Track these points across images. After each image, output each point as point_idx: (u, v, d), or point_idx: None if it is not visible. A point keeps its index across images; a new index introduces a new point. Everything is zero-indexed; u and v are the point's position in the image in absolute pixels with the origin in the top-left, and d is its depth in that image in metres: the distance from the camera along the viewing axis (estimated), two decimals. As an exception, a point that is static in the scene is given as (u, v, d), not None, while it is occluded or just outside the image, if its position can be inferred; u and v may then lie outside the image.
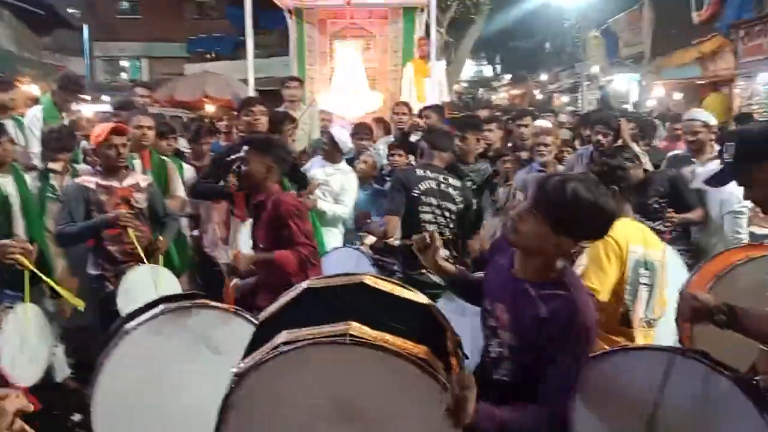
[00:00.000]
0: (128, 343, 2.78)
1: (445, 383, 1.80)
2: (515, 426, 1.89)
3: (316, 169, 5.36)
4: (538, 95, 26.20)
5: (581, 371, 1.98)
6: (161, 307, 2.90)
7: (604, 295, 2.90)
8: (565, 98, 25.21)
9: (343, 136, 5.40)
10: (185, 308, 2.91)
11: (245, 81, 9.53)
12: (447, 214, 4.05)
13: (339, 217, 5.29)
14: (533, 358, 1.99)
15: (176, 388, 2.81)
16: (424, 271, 3.76)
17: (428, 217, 4.02)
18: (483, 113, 8.51)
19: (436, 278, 3.64)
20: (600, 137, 4.96)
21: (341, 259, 4.68)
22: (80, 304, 3.52)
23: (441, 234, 3.80)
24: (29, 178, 4.50)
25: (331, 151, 5.38)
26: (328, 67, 8.73)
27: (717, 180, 2.27)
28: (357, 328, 1.87)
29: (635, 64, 19.02)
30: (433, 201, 4.03)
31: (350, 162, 5.65)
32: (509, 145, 6.27)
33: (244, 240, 4.58)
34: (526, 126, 6.05)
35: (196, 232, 5.29)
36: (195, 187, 4.82)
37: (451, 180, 4.13)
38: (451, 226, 4.08)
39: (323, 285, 2.20)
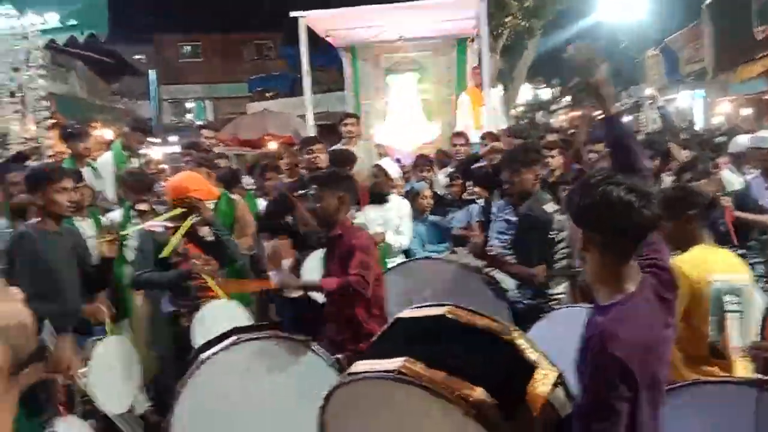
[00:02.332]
0: (205, 370, 2.92)
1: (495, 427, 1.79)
2: None
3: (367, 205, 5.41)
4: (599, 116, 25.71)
5: (635, 412, 1.78)
6: (234, 337, 3.02)
7: None
8: (626, 119, 24.66)
9: (391, 168, 5.46)
10: (259, 339, 3.05)
11: (304, 117, 9.78)
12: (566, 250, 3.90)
13: (401, 248, 5.28)
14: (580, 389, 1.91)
15: (249, 415, 2.93)
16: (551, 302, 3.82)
17: (559, 256, 3.87)
18: (551, 137, 8.34)
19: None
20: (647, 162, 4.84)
21: (458, 279, 4.15)
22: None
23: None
24: (107, 220, 4.76)
25: (378, 183, 5.44)
26: (383, 100, 8.89)
27: None
28: (410, 365, 1.94)
29: (698, 81, 18.51)
30: (563, 237, 3.84)
31: (407, 193, 5.70)
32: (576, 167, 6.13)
33: (307, 271, 4.68)
34: (597, 152, 5.83)
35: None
36: (260, 226, 4.99)
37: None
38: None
39: (410, 316, 2.29)
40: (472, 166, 5.66)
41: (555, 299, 3.92)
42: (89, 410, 3.33)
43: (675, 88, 19.93)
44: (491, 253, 3.97)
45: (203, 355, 2.98)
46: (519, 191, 4.02)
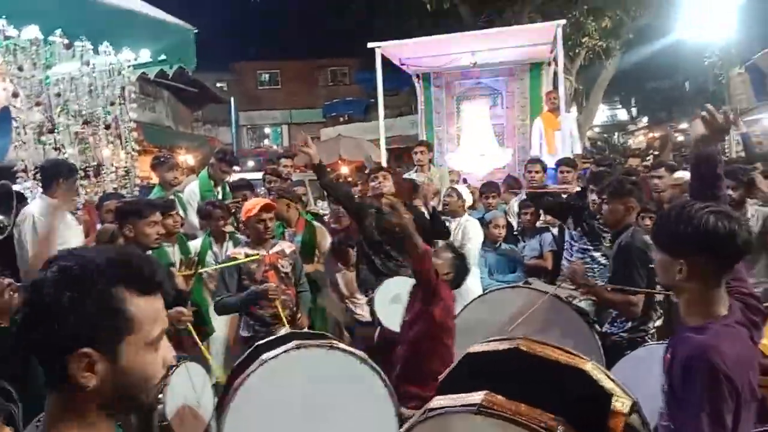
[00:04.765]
0: (264, 371, 2.99)
1: None
2: None
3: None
4: (679, 138, 24.83)
5: (737, 427, 1.83)
6: (295, 342, 3.09)
7: None
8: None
9: (462, 192, 5.50)
10: (319, 346, 3.11)
11: (375, 140, 9.95)
12: None
13: None
14: (675, 411, 1.94)
15: (298, 419, 3.00)
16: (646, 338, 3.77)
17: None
18: (634, 161, 8.15)
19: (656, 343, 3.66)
20: (730, 191, 4.60)
21: (549, 309, 3.82)
22: (220, 375, 3.87)
23: None
24: (193, 246, 4.99)
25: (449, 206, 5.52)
26: (455, 126, 8.95)
27: None
28: (490, 398, 1.95)
29: (788, 100, 17.59)
30: None
31: (481, 221, 5.70)
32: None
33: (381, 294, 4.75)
34: (660, 177, 5.65)
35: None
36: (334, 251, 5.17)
37: None
38: None
39: (482, 350, 2.32)
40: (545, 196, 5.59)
41: (651, 333, 3.83)
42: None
43: (762, 109, 18.99)
44: (589, 282, 3.87)
45: (264, 356, 3.04)
46: (612, 221, 3.95)
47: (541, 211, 5.75)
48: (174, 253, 4.68)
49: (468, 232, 5.38)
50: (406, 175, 7.07)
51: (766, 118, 18.93)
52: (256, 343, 3.38)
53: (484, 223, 5.59)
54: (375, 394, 3.04)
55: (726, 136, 2.38)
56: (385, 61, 8.30)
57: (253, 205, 4.40)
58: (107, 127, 6.31)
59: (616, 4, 15.38)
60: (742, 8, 17.05)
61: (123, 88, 6.53)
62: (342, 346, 3.21)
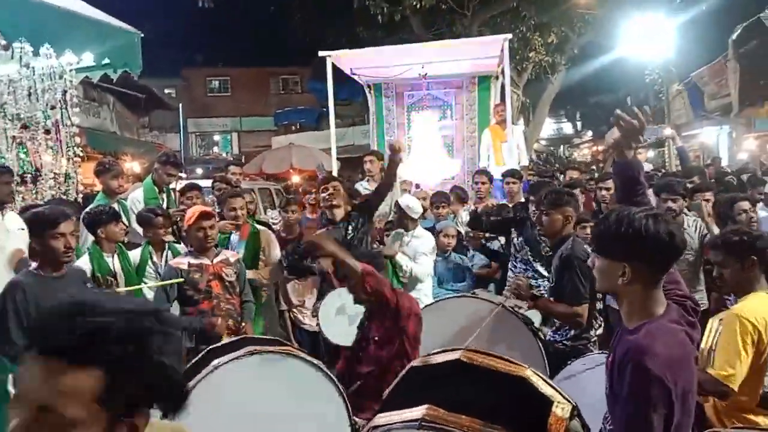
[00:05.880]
0: (216, 377, 2.89)
1: None
2: None
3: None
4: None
5: (669, 427, 1.86)
6: (249, 348, 3.02)
7: (736, 383, 2.74)
8: (651, 153, 24.50)
9: (411, 203, 5.50)
10: (274, 353, 3.05)
11: (328, 150, 9.93)
12: None
13: (415, 278, 5.27)
14: (614, 411, 2.00)
15: (252, 426, 2.93)
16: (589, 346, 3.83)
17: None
18: (572, 174, 8.41)
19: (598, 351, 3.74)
20: (671, 204, 4.72)
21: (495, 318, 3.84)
22: None
23: None
24: (132, 256, 4.85)
25: (400, 219, 5.51)
26: (406, 136, 9.02)
27: None
28: (432, 412, 1.97)
29: (723, 117, 18.41)
30: None
31: (431, 230, 5.74)
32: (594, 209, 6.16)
33: (327, 306, 4.72)
34: (608, 189, 5.83)
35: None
36: (287, 266, 5.09)
37: None
38: None
39: (424, 364, 2.33)
40: (489, 217, 5.71)
41: (593, 341, 3.91)
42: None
43: (699, 124, 19.83)
44: (534, 293, 3.92)
45: (216, 361, 2.96)
46: (552, 232, 3.99)
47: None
48: (114, 263, 4.54)
49: (419, 247, 5.39)
50: (357, 185, 7.09)
51: (702, 133, 19.77)
52: (208, 347, 3.28)
53: (435, 233, 5.63)
54: (330, 403, 3.01)
55: (640, 136, 2.39)
56: (339, 71, 8.31)
57: (192, 213, 4.30)
58: (47, 131, 6.08)
59: (562, 21, 15.82)
60: (681, 29, 17.78)
61: (65, 92, 6.32)
62: (298, 353, 3.17)
